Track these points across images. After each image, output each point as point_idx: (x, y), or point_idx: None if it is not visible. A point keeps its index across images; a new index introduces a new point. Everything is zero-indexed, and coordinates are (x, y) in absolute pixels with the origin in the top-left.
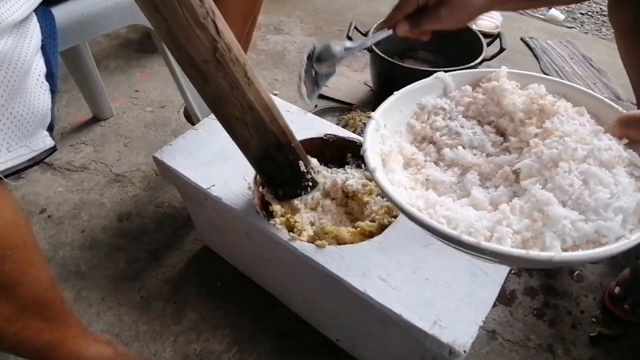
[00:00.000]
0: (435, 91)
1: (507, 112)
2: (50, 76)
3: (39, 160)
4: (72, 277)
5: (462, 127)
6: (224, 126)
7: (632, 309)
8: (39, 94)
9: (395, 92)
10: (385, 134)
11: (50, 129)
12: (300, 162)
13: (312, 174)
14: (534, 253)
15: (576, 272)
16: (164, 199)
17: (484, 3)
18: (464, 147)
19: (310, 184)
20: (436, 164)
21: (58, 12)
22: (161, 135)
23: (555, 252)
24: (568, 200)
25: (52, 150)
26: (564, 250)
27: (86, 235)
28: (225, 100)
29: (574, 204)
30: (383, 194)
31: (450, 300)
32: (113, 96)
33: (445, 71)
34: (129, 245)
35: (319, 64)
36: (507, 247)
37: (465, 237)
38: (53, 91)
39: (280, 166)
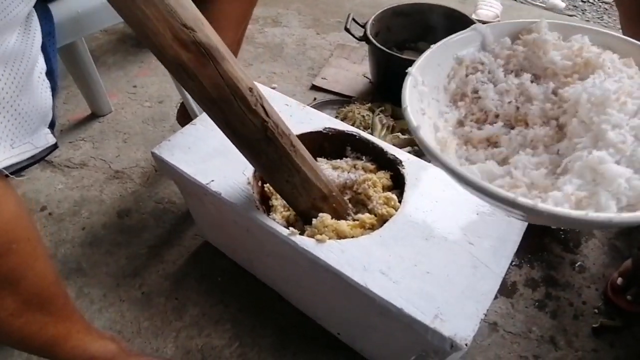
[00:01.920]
0: (473, 44)
1: (549, 66)
2: (50, 74)
3: (40, 158)
4: (74, 274)
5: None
6: (274, 188)
7: (635, 299)
8: (41, 91)
9: (431, 46)
10: (423, 90)
11: (51, 126)
12: (340, 210)
13: (351, 213)
14: (593, 215)
15: (578, 263)
16: (163, 194)
17: None
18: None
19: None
20: (477, 122)
21: (53, 9)
22: (160, 130)
23: (613, 214)
24: (622, 158)
25: (54, 147)
26: (619, 209)
27: (87, 232)
28: (276, 167)
29: (628, 161)
30: (428, 153)
31: (452, 293)
32: (111, 92)
33: None
34: (129, 241)
35: None
36: (565, 209)
37: (522, 200)
38: (53, 89)
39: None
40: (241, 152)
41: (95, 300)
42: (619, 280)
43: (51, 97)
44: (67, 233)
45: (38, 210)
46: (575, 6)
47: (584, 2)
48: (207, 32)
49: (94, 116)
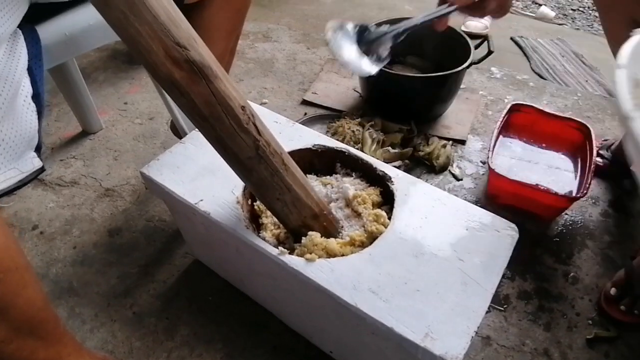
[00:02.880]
0: None
1: None
2: (36, 97)
3: (27, 182)
4: (66, 294)
5: None
6: (265, 205)
7: (628, 309)
8: (26, 115)
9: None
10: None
11: (37, 149)
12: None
13: (342, 231)
14: None
15: (571, 275)
16: (154, 212)
17: None
18: None
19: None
20: None
21: (41, 31)
22: (150, 147)
23: None
24: None
25: (41, 171)
26: None
27: (78, 251)
28: (267, 185)
29: None
30: None
31: (442, 311)
32: (102, 109)
33: (433, 77)
34: (120, 260)
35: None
36: None
37: None
38: (40, 112)
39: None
40: (232, 169)
41: (86, 320)
42: (612, 291)
43: (37, 120)
44: (59, 252)
45: (29, 229)
46: (565, 15)
47: (574, 10)
48: (201, 51)
49: (85, 134)
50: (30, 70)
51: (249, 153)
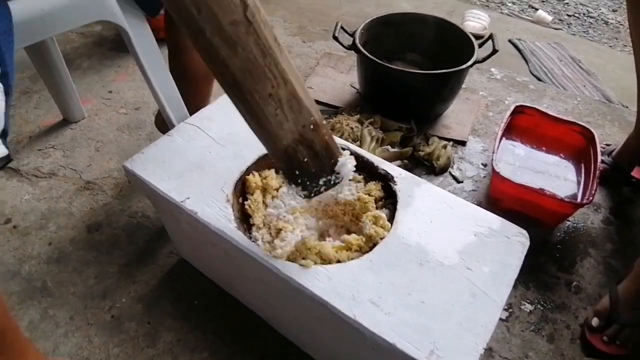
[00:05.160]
0: None
1: None
2: (4, 76)
3: None
4: (38, 294)
5: None
6: (249, 111)
7: (611, 340)
8: None
9: None
10: None
11: (3, 135)
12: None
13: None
14: None
15: (574, 284)
16: (137, 208)
17: None
18: None
19: (337, 177)
20: None
21: (15, 6)
22: (135, 139)
23: None
24: None
25: (7, 160)
26: None
27: (53, 248)
28: (256, 72)
29: None
30: None
31: (449, 325)
32: (85, 97)
33: (435, 74)
34: (99, 259)
35: None
36: None
37: None
38: (7, 93)
39: (315, 151)
40: (205, 48)
41: (60, 324)
42: (594, 321)
43: (4, 102)
44: (33, 248)
45: (2, 222)
46: (561, 20)
47: (570, 16)
48: None
49: (65, 122)
50: None
51: (234, 15)
